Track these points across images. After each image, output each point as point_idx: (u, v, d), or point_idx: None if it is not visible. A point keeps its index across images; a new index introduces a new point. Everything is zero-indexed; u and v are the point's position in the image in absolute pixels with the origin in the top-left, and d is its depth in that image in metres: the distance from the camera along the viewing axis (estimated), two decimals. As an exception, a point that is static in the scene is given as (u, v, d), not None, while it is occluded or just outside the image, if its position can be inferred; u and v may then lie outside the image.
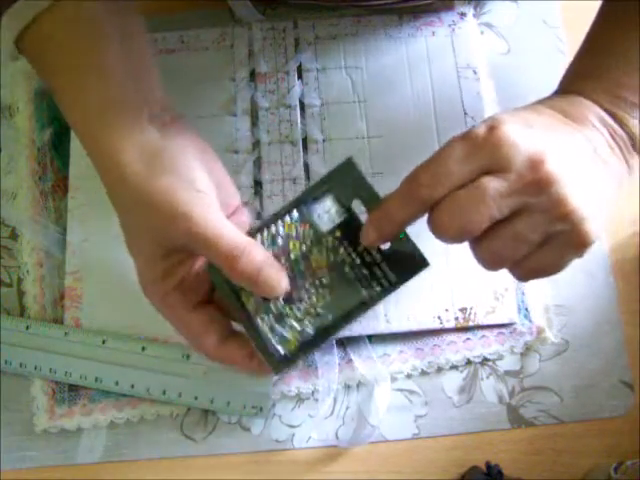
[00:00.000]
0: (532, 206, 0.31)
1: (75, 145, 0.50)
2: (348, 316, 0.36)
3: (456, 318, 0.46)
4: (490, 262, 0.34)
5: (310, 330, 0.36)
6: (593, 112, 0.36)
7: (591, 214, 0.32)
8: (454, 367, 0.46)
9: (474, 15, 0.53)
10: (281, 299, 0.36)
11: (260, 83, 0.51)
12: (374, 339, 0.46)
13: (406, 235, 0.35)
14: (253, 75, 0.51)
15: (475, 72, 0.51)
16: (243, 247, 0.34)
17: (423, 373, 0.46)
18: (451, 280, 0.46)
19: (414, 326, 0.46)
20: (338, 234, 0.36)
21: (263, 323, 0.36)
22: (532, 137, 0.32)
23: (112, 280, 0.47)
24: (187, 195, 0.34)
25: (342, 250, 0.36)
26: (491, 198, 0.30)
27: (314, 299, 0.36)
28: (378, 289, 0.35)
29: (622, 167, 0.36)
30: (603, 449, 0.45)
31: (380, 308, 0.46)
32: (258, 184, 0.49)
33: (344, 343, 0.46)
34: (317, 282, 0.36)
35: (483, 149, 0.31)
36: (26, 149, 0.51)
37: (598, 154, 0.35)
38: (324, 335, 0.36)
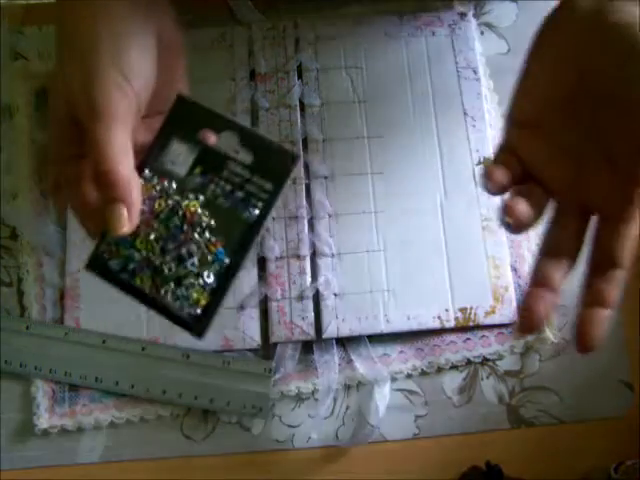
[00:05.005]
0: None
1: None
2: (243, 246, 0.34)
3: (456, 318, 0.46)
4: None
5: (211, 279, 0.34)
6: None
7: None
8: (454, 367, 0.46)
9: (474, 15, 0.53)
10: (172, 263, 0.34)
11: (260, 83, 0.51)
12: (374, 339, 0.46)
13: (261, 137, 0.34)
14: (253, 75, 0.51)
15: (475, 72, 0.51)
16: (128, 178, 0.32)
17: (423, 373, 0.46)
18: (451, 280, 0.46)
19: (414, 326, 0.46)
20: (198, 170, 0.34)
21: (165, 295, 0.34)
22: None
23: (112, 280, 0.47)
24: (114, 83, 0.32)
25: (210, 185, 0.34)
26: None
27: (203, 246, 0.34)
28: (260, 204, 0.34)
29: None
30: (603, 449, 0.45)
31: (380, 308, 0.46)
32: (258, 184, 0.49)
33: (344, 343, 0.46)
34: (198, 228, 0.34)
35: None
36: (26, 149, 0.51)
37: None
38: (228, 276, 0.34)
